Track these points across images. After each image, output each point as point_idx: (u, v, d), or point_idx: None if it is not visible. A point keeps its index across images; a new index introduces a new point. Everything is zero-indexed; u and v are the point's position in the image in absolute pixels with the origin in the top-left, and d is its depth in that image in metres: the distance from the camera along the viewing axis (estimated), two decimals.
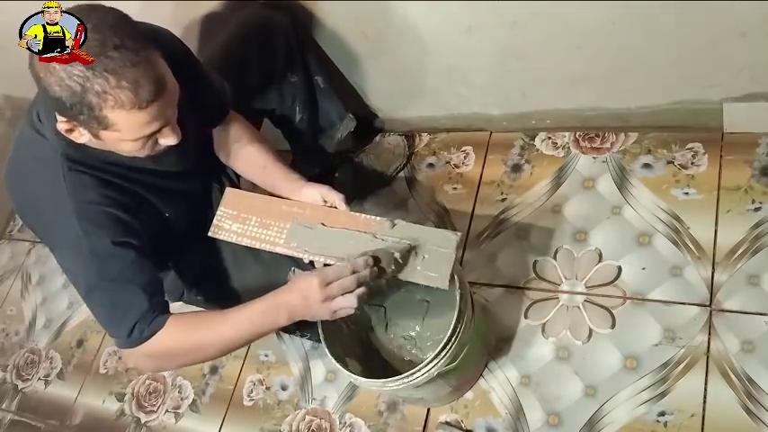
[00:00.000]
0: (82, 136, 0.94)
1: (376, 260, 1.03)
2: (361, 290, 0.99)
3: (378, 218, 1.09)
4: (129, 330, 0.99)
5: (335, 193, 1.13)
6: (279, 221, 1.14)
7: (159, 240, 1.10)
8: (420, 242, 1.05)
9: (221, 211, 1.18)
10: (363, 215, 1.10)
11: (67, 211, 0.99)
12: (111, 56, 0.84)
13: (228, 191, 1.20)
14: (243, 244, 1.15)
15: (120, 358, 1.79)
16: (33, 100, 1.06)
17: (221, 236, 1.17)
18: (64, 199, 0.99)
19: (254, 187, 1.36)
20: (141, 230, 1.04)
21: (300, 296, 0.99)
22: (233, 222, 1.16)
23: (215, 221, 1.18)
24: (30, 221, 1.11)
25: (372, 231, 1.08)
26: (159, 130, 0.94)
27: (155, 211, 1.13)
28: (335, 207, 1.13)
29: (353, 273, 0.98)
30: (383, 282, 1.29)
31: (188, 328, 1.02)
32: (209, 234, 1.18)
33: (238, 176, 1.35)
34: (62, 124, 0.93)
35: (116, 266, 1.00)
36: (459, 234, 1.05)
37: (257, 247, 1.14)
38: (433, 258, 1.04)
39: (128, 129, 0.90)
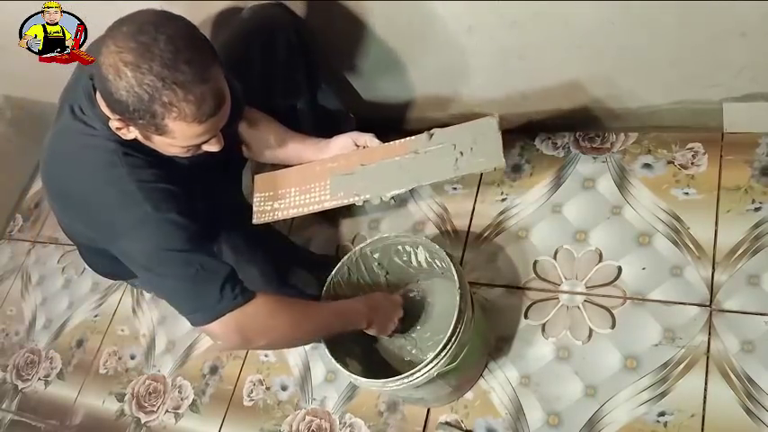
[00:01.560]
0: (130, 133, 0.97)
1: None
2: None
3: (413, 137, 1.08)
4: (219, 292, 0.97)
5: (364, 134, 1.14)
6: (318, 182, 1.13)
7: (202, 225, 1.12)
8: (462, 140, 1.05)
9: (257, 197, 1.17)
10: (398, 141, 1.09)
11: (131, 192, 0.99)
12: (182, 69, 0.86)
13: (257, 177, 1.20)
14: (290, 216, 1.15)
15: (120, 358, 1.79)
16: (66, 96, 1.07)
17: (265, 218, 1.16)
18: (125, 181, 0.99)
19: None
20: (193, 210, 1.05)
21: (389, 312, 1.18)
22: (273, 202, 1.15)
23: (255, 208, 1.17)
24: (80, 214, 1.09)
25: (413, 150, 1.07)
26: (208, 140, 0.98)
27: (191, 197, 1.13)
28: (368, 147, 1.13)
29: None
30: (384, 284, 1.30)
31: (289, 303, 1.04)
32: (254, 222, 1.18)
33: (241, 185, 1.36)
34: (114, 122, 0.95)
35: (185, 236, 1.00)
36: (496, 115, 1.05)
37: (306, 212, 1.13)
38: (480, 146, 1.05)
39: (182, 138, 0.94)
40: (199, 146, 0.99)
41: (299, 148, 1.22)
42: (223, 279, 0.99)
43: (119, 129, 0.96)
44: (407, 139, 1.08)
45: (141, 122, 0.91)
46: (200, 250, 1.01)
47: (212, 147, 1.01)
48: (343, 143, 1.15)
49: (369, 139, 1.13)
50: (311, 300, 1.19)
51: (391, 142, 1.09)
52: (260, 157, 1.29)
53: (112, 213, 1.02)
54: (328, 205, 1.11)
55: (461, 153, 1.05)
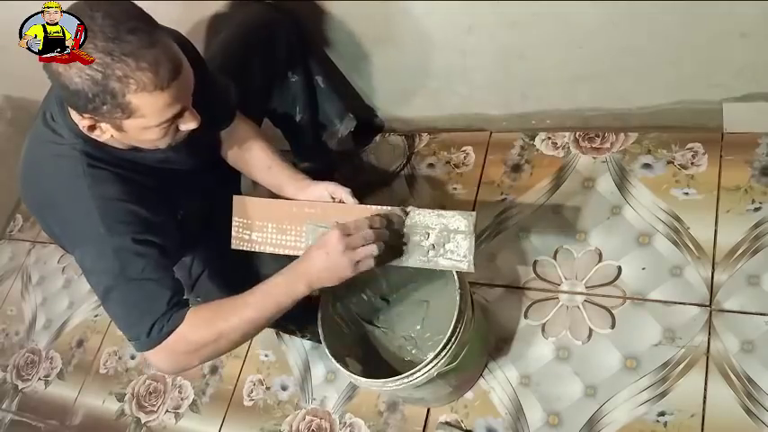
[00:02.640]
0: (104, 132, 0.94)
1: (389, 222, 1.05)
2: (381, 243, 1.00)
3: (389, 207, 1.09)
4: (149, 330, 0.96)
5: (341, 188, 1.13)
6: (294, 224, 1.13)
7: (173, 241, 1.09)
8: (436, 230, 1.05)
9: (236, 221, 1.17)
10: (375, 206, 1.09)
11: (89, 208, 0.97)
12: (127, 39, 0.83)
13: (235, 199, 1.19)
14: (266, 251, 1.15)
15: (120, 358, 1.79)
16: (43, 101, 1.06)
17: (245, 247, 1.16)
18: (84, 195, 0.97)
19: (254, 187, 1.35)
20: (160, 228, 1.03)
21: (321, 252, 0.98)
22: (251, 232, 1.16)
23: (234, 233, 1.17)
24: (47, 222, 1.08)
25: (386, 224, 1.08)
26: (181, 114, 0.94)
27: (169, 208, 1.11)
28: (343, 202, 1.13)
29: (371, 228, 1.00)
30: (384, 284, 1.30)
31: (208, 317, 0.98)
32: (233, 247, 1.17)
33: (239, 180, 1.35)
34: (84, 121, 0.92)
35: (137, 265, 0.97)
36: (473, 214, 1.04)
37: (281, 252, 1.14)
38: (453, 244, 1.04)
39: (152, 112, 0.90)
40: (174, 122, 0.95)
41: (281, 179, 1.20)
42: (157, 314, 0.95)
43: (91, 129, 0.93)
44: (385, 208, 1.08)
45: (106, 108, 0.87)
46: (149, 278, 0.97)
47: (189, 123, 0.97)
48: (319, 193, 1.14)
49: (344, 196, 1.12)
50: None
51: (367, 206, 1.10)
52: (240, 168, 1.27)
53: (70, 224, 1.01)
54: (301, 253, 1.12)
55: (434, 246, 1.05)
